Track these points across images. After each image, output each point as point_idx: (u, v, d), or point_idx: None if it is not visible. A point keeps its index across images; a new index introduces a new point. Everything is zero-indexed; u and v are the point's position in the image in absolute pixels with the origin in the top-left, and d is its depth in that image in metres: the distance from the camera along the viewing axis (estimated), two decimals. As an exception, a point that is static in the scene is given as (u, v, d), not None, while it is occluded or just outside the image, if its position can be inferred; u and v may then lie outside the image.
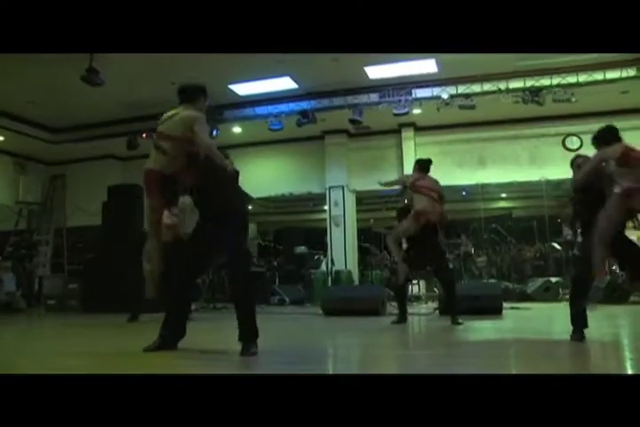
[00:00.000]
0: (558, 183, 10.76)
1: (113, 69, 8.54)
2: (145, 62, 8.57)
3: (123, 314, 6.77)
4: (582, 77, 8.77)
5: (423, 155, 11.28)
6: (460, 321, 5.71)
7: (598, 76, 8.77)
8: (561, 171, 10.02)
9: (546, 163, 10.73)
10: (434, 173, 6.33)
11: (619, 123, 8.07)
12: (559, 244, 11.80)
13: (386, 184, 6.86)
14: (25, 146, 12.38)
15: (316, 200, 15.33)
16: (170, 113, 3.82)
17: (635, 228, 7.93)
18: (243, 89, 10.08)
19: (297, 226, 18.17)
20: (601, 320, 5.63)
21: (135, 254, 7.56)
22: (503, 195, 15.56)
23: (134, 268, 7.00)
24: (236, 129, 11.57)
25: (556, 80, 8.91)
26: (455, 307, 5.94)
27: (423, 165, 6.32)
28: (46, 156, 13.27)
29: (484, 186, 12.29)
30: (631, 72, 8.72)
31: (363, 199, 13.50)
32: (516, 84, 9.19)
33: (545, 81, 8.97)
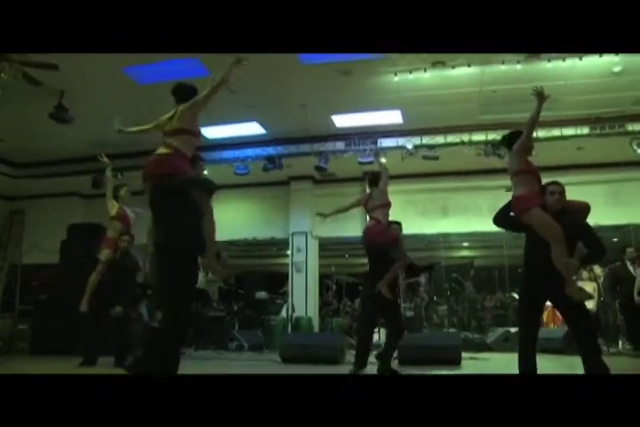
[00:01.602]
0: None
1: (82, 107, 8.54)
2: (114, 101, 8.61)
3: (74, 358, 6.56)
4: (541, 133, 9.07)
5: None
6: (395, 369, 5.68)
7: (555, 132, 9.10)
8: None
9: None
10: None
11: (575, 177, 8.34)
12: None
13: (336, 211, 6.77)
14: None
15: (279, 245, 15.28)
16: (168, 115, 3.80)
17: (589, 279, 7.99)
18: (210, 132, 10.14)
19: (259, 270, 18.03)
20: (558, 370, 5.65)
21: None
22: (465, 244, 15.74)
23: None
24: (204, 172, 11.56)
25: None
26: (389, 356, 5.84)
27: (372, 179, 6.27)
28: (6, 190, 13.01)
29: (446, 235, 12.45)
30: (585, 130, 9.12)
31: (326, 245, 13.51)
32: (478, 136, 9.46)
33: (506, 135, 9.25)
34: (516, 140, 4.04)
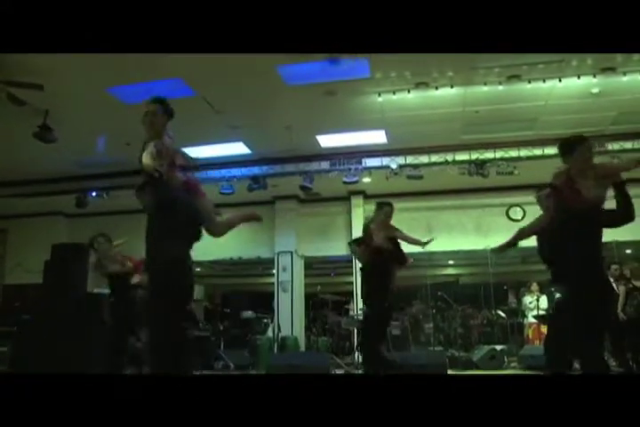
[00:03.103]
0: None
1: (67, 126, 8.55)
2: (99, 121, 8.64)
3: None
4: (523, 152, 9.23)
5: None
6: None
7: (537, 151, 9.24)
8: (505, 239, 10.35)
9: (490, 232, 11.04)
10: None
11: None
12: (504, 311, 12.00)
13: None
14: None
15: (265, 264, 15.28)
16: None
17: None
18: (195, 152, 10.15)
19: (244, 289, 18.00)
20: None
21: (76, 317, 7.37)
22: (450, 262, 15.83)
23: (74, 331, 6.81)
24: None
25: (499, 154, 9.35)
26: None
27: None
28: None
29: (431, 253, 12.50)
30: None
31: (312, 264, 13.52)
32: (461, 156, 9.58)
33: (489, 154, 9.40)
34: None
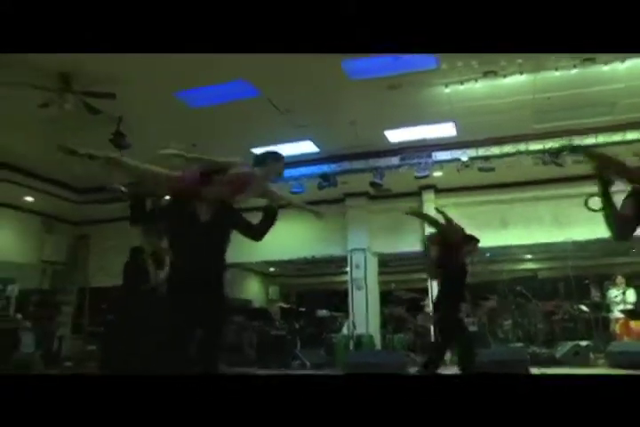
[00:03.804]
0: (583, 244, 10.62)
1: (139, 132, 8.77)
2: (168, 125, 8.84)
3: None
4: (601, 138, 8.80)
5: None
6: None
7: (617, 137, 8.79)
8: (586, 231, 9.99)
9: (570, 224, 10.61)
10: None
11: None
12: (586, 305, 11.53)
13: None
14: (52, 206, 12.64)
15: (338, 262, 15.28)
16: None
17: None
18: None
19: (319, 288, 18.07)
20: None
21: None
22: (528, 256, 15.35)
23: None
24: (260, 193, 11.68)
25: (575, 141, 8.94)
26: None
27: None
28: (72, 216, 13.51)
29: (507, 248, 12.16)
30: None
31: (385, 261, 13.40)
32: (535, 145, 9.23)
33: (564, 142, 9.00)
34: None
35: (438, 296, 6.09)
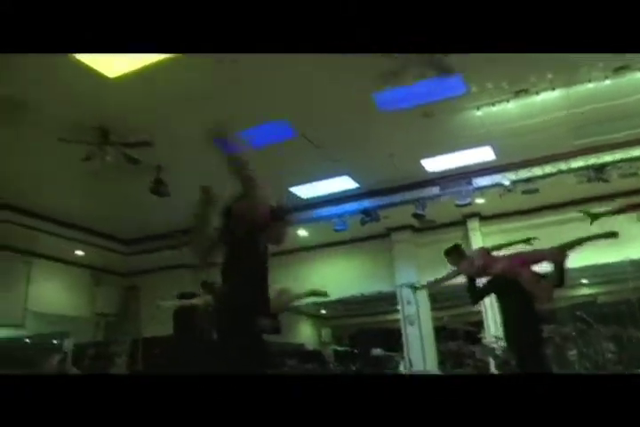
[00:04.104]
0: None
1: (178, 180, 8.91)
2: (208, 171, 8.94)
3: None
4: (641, 151, 8.57)
5: (491, 245, 11.04)
6: None
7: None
8: (642, 248, 9.61)
9: (624, 241, 10.19)
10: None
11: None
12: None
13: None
14: (101, 259, 12.94)
15: (389, 300, 15.04)
16: None
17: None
18: (304, 191, 10.27)
19: (371, 328, 17.77)
20: None
21: (205, 362, 7.51)
22: (584, 281, 14.80)
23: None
24: (302, 232, 11.70)
25: (619, 155, 8.71)
26: None
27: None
28: (121, 267, 13.79)
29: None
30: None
31: (436, 296, 13.11)
32: (577, 163, 9.02)
33: (607, 157, 8.78)
34: None
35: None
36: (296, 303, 12.56)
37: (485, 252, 6.09)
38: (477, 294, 6.08)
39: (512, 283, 5.53)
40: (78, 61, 6.26)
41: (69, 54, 6.07)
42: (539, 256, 5.85)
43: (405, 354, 11.37)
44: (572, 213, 10.82)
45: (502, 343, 10.14)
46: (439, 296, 13.48)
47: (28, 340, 16.23)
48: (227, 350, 3.29)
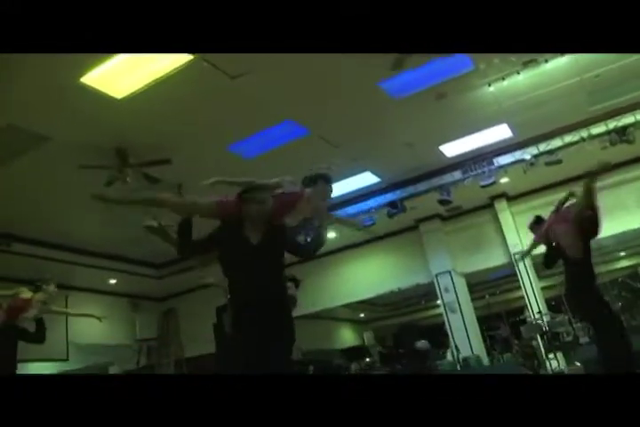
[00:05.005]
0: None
1: (201, 195, 8.91)
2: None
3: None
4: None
5: (522, 223, 10.86)
6: None
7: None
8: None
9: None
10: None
11: None
12: None
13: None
14: (135, 285, 13.04)
15: (427, 296, 14.91)
16: None
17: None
18: (327, 192, 10.22)
19: (414, 324, 17.61)
20: None
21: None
22: (622, 253, 14.53)
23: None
24: (331, 234, 11.64)
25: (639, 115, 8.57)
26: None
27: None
28: (156, 292, 13.89)
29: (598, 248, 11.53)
30: None
31: (473, 286, 12.96)
32: (597, 129, 8.88)
33: (628, 119, 8.63)
34: None
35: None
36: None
37: (552, 215, 6.06)
38: (548, 259, 6.08)
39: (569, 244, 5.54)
40: (85, 85, 6.32)
41: (76, 78, 6.14)
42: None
43: (451, 340, 11.23)
44: (601, 182, 10.70)
45: (547, 318, 10.02)
46: (475, 287, 13.30)
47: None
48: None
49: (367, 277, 12.32)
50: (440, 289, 11.61)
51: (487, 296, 12.47)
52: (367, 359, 11.72)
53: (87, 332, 12.24)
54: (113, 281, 12.41)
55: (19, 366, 6.77)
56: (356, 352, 11.98)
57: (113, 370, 12.85)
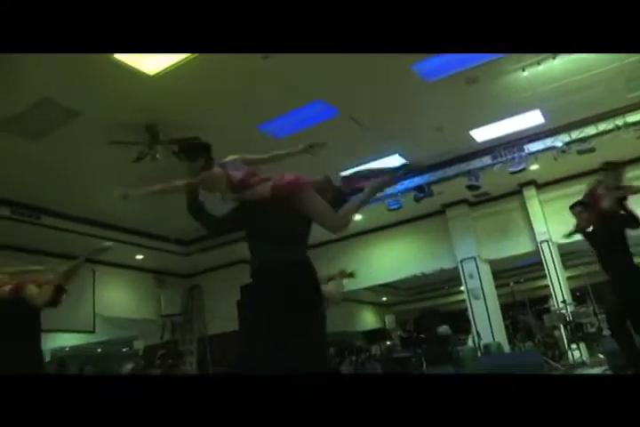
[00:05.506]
0: None
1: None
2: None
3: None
4: None
5: (551, 211, 10.77)
6: None
7: None
8: None
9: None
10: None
11: None
12: None
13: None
14: (161, 261, 13.16)
15: (451, 282, 14.86)
16: None
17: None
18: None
19: (436, 310, 17.62)
20: None
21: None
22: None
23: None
24: (357, 217, 11.63)
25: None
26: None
27: None
28: (182, 268, 14.02)
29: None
30: None
31: (497, 273, 12.88)
32: (633, 117, 8.68)
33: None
34: None
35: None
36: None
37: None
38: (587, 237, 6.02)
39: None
40: (118, 60, 6.35)
41: (108, 54, 6.16)
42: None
43: (473, 326, 11.21)
44: (631, 171, 10.51)
45: (571, 308, 9.94)
46: (499, 274, 13.21)
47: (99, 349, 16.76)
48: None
49: (391, 260, 12.31)
50: (464, 275, 11.57)
51: (511, 284, 12.27)
52: (388, 342, 11.66)
53: (114, 305, 12.48)
54: (140, 257, 12.57)
55: (46, 336, 6.81)
56: (376, 335, 11.98)
57: (137, 344, 13.13)
